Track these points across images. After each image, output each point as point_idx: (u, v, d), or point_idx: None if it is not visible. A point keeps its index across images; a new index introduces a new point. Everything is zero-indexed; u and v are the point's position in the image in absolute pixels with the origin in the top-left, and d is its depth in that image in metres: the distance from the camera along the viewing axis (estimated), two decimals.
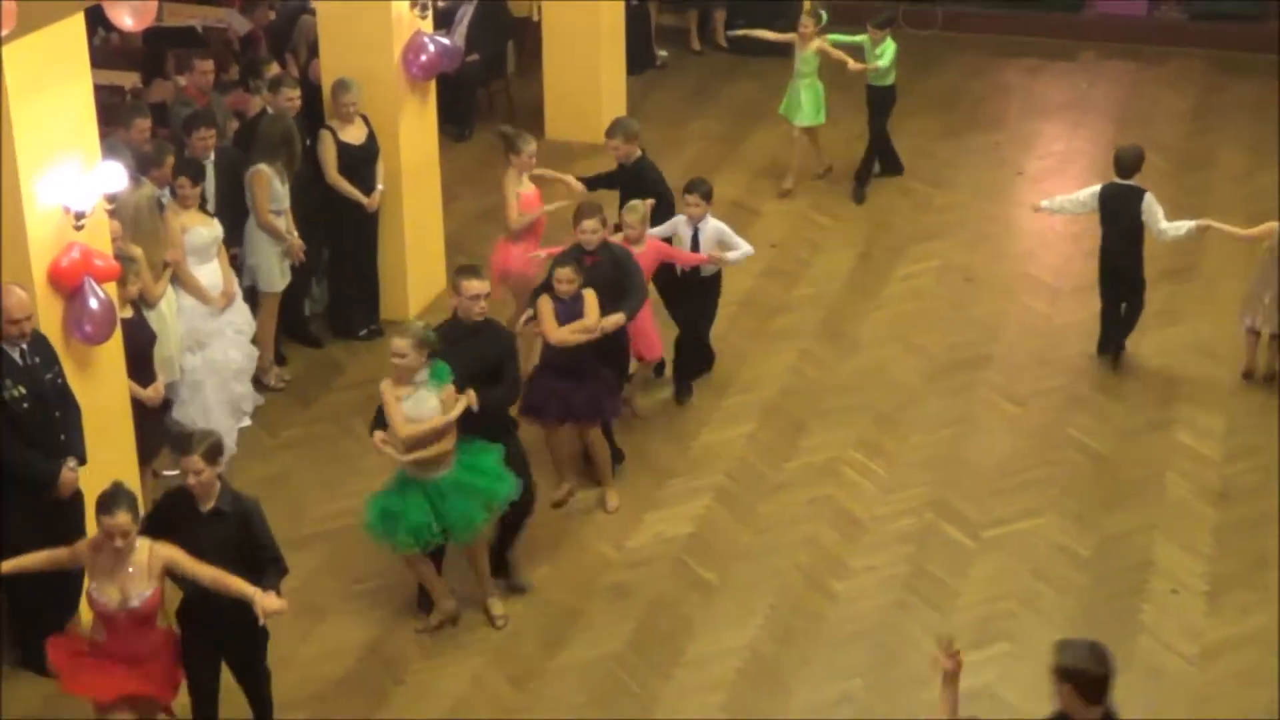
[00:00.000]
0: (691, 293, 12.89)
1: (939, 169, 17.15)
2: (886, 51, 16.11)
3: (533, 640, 10.52)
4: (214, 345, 12.03)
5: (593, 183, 13.35)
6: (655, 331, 12.57)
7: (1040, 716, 9.69)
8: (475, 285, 10.39)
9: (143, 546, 8.57)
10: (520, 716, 9.88)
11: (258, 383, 12.83)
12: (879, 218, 16.07)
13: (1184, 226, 12.98)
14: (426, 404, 9.95)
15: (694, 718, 9.73)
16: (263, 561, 8.95)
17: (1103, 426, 12.66)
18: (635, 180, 13.00)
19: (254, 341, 12.49)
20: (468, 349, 10.28)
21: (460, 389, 10.10)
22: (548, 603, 10.78)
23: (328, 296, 14.02)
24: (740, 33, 17.92)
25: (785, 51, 16.70)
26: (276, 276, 12.87)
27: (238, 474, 12.10)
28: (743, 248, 12.63)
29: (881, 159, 16.78)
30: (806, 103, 16.28)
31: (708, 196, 12.59)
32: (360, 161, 13.37)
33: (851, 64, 16.04)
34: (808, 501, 11.76)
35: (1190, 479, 11.98)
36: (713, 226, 12.62)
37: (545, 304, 11.22)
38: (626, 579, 11.05)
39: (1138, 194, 12.92)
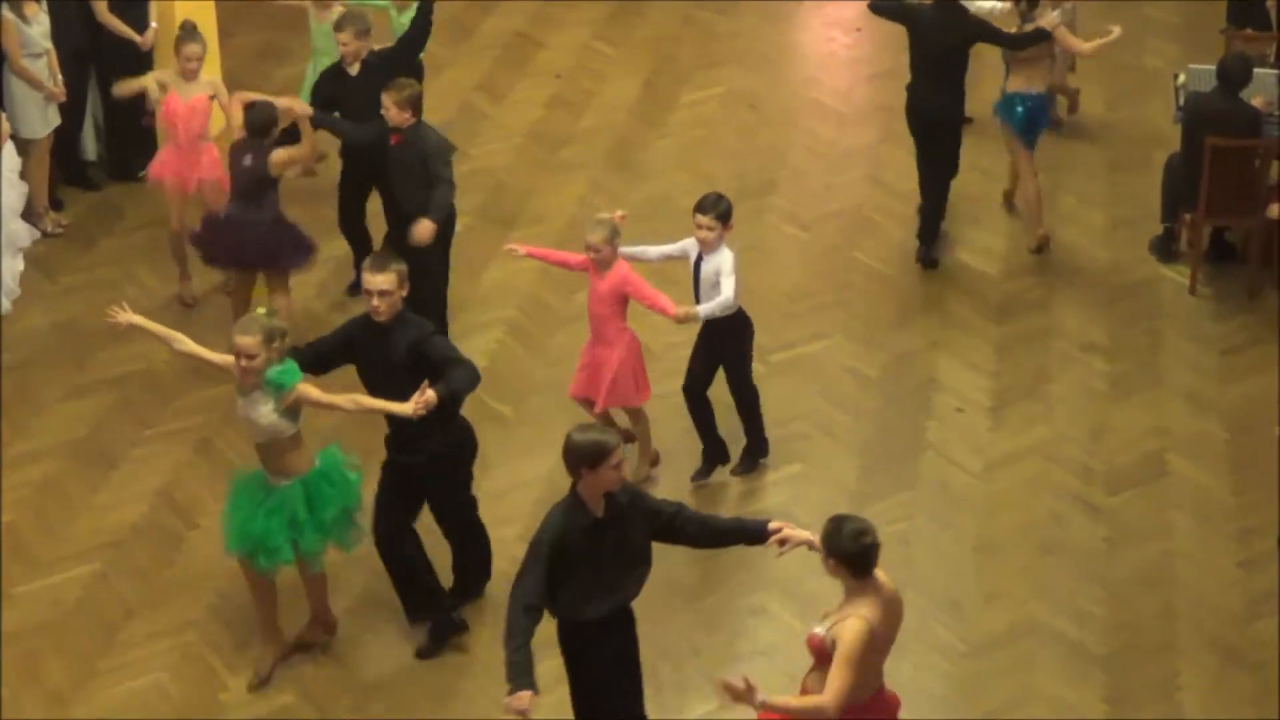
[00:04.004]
0: (711, 335, 10.33)
1: None
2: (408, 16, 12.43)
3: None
4: None
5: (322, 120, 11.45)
6: (643, 373, 10.40)
7: None
8: (375, 280, 8.69)
9: None
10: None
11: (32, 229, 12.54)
12: (663, 47, 16.00)
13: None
14: (257, 407, 8.58)
15: (492, 550, 9.78)
16: None
17: (887, 249, 12.84)
18: (365, 93, 11.23)
19: (23, 180, 12.19)
20: (378, 355, 8.81)
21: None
22: (342, 443, 10.69)
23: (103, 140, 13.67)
24: None
25: None
26: (38, 123, 12.50)
27: (19, 321, 11.88)
28: (725, 294, 9.90)
29: None
30: None
31: (725, 218, 10.05)
32: None
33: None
34: None
35: (972, 297, 12.22)
36: (719, 259, 10.02)
37: None
38: None
39: None
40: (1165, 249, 12.64)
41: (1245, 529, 10.09)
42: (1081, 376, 11.43)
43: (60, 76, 12.50)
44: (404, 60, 11.85)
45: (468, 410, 11.01)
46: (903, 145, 13.88)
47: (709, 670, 9.10)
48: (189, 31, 11.91)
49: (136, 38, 13.01)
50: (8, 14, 12.08)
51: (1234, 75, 12.02)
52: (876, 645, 7.07)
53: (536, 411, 11.08)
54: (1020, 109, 12.53)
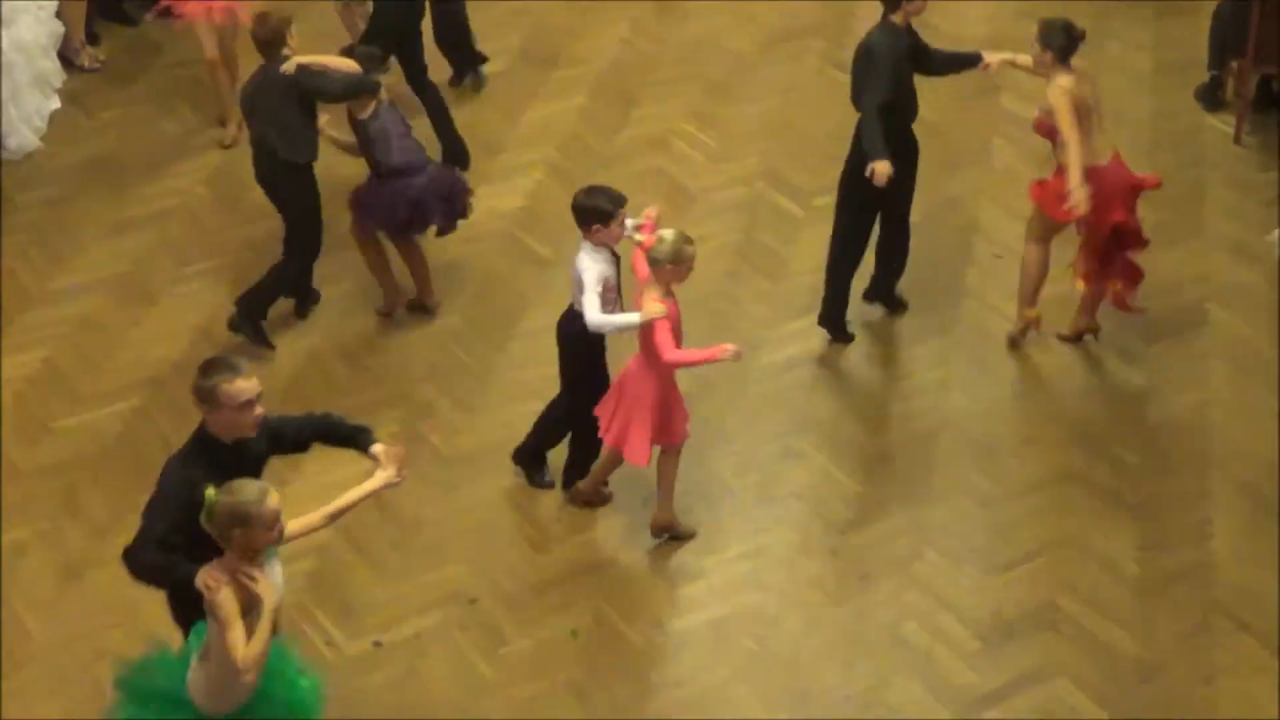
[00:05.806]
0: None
1: None
2: None
3: (364, 317, 10.52)
4: (20, 23, 11.64)
5: None
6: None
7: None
8: (249, 386, 7.00)
9: None
10: (353, 393, 9.90)
11: (69, 64, 12.48)
12: None
13: None
14: (278, 574, 6.84)
15: (527, 390, 9.82)
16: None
17: (931, 94, 12.60)
18: None
19: (59, 18, 12.10)
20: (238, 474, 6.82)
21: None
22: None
23: None
24: None
25: None
26: None
27: (55, 158, 11.88)
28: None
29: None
30: None
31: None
32: None
33: None
34: (638, 174, 11.73)
35: (1016, 144, 12.10)
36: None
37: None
38: (460, 254, 11.03)
39: None
40: (1211, 97, 12.50)
41: None
42: None
43: None
44: None
45: (507, 252, 11.05)
46: None
47: (744, 510, 9.17)
48: None
49: None
50: None
51: None
52: (1077, 104, 9.36)
53: (574, 252, 11.01)
54: None
